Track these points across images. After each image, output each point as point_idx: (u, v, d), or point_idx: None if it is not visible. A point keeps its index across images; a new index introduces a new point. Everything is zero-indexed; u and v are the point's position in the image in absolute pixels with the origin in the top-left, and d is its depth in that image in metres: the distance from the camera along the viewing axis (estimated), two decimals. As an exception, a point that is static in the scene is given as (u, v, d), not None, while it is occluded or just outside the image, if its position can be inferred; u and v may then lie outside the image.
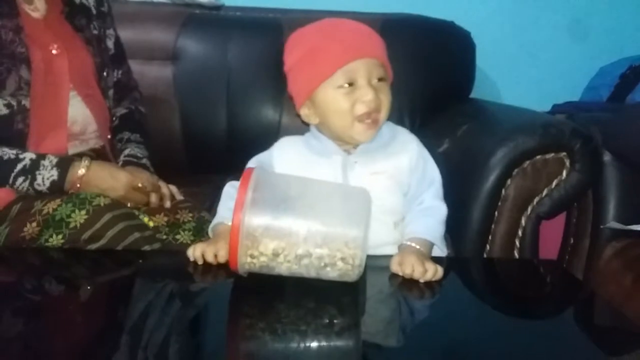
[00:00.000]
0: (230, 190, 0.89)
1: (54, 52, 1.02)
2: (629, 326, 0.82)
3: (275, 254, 0.74)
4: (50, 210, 0.93)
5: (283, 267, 0.75)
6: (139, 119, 1.20)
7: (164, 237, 0.98)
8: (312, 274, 0.76)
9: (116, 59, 1.20)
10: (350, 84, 0.85)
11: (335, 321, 0.72)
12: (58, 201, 0.94)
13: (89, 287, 0.83)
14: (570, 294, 0.91)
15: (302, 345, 0.68)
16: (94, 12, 1.14)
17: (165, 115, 1.48)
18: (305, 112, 0.90)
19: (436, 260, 0.84)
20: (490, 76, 1.73)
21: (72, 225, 0.91)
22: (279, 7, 1.60)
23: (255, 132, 1.51)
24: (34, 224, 0.93)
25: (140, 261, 0.91)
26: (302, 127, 1.54)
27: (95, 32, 1.13)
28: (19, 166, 0.96)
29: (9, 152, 0.97)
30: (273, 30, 1.53)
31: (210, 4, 1.58)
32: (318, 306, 0.75)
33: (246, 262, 0.75)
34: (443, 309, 0.82)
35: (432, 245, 0.87)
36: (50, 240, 0.91)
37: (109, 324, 0.72)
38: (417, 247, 0.84)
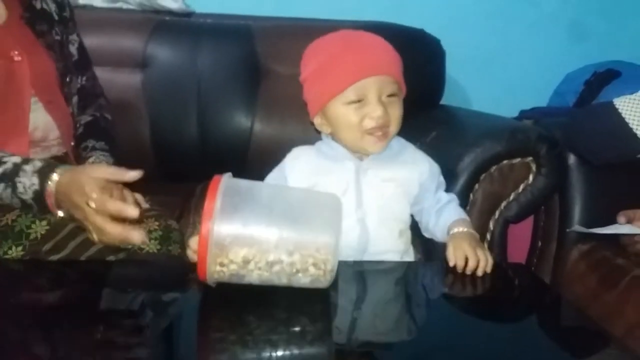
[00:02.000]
0: None
1: (15, 58, 0.99)
2: (593, 327, 0.83)
3: (246, 261, 0.73)
4: (9, 222, 0.90)
5: (254, 275, 0.74)
6: (105, 126, 1.18)
7: (129, 246, 0.96)
8: (284, 280, 0.75)
9: (80, 64, 1.18)
10: (361, 100, 0.87)
11: (307, 330, 0.72)
12: (17, 212, 0.92)
13: (51, 300, 0.81)
14: (538, 297, 0.93)
15: (274, 355, 0.67)
16: (56, 17, 1.12)
17: (134, 123, 1.46)
18: (318, 121, 0.93)
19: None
20: (460, 83, 1.76)
21: (32, 236, 0.89)
22: (250, 14, 1.60)
23: (227, 140, 1.50)
24: None
25: (105, 272, 0.89)
26: (275, 135, 1.55)
27: (57, 37, 1.11)
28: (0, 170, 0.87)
29: None
30: (244, 37, 1.53)
31: (180, 11, 1.57)
32: (290, 316, 0.75)
33: (215, 270, 0.73)
34: (413, 312, 0.83)
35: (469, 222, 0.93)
36: (9, 252, 0.89)
37: (72, 337, 0.70)
38: (466, 229, 0.89)
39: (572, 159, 1.22)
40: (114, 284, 0.87)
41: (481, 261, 0.85)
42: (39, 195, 0.87)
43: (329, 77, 0.88)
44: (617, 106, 1.11)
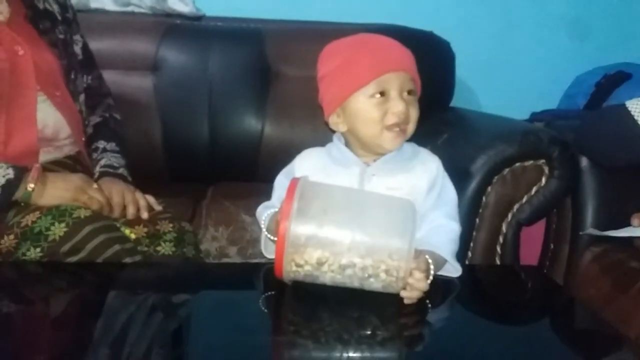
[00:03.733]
0: (261, 210, 0.93)
1: (19, 53, 1.01)
2: (607, 330, 0.83)
3: (320, 263, 0.75)
4: (29, 223, 0.91)
5: (327, 277, 0.76)
6: (114, 126, 1.19)
7: (145, 249, 0.97)
8: (356, 284, 0.77)
9: (85, 64, 1.19)
10: (382, 94, 0.87)
11: (378, 332, 0.73)
12: (37, 213, 0.93)
13: (68, 301, 0.82)
14: (551, 299, 0.93)
15: (344, 354, 0.68)
16: (59, 17, 1.14)
17: (146, 126, 1.46)
18: (334, 119, 0.92)
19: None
20: (470, 85, 1.76)
21: (50, 238, 0.89)
22: (260, 18, 1.61)
23: (238, 142, 1.50)
24: (11, 237, 0.91)
25: (121, 274, 0.90)
26: (285, 137, 1.56)
27: (60, 36, 1.12)
28: None
29: None
30: (254, 40, 1.54)
31: (191, 14, 1.58)
32: (361, 316, 0.76)
33: (291, 270, 0.76)
34: (427, 314, 0.83)
35: (443, 260, 0.86)
36: (28, 253, 0.90)
37: (90, 339, 0.70)
38: (425, 256, 0.82)
39: (584, 161, 1.22)
40: (130, 286, 0.87)
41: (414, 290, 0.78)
42: (11, 183, 0.93)
43: (352, 71, 0.88)
44: (629, 108, 1.10)
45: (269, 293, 0.84)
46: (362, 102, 0.88)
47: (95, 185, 1.01)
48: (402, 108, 0.86)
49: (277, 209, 0.84)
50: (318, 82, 0.93)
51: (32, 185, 0.94)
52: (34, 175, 0.95)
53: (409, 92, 0.89)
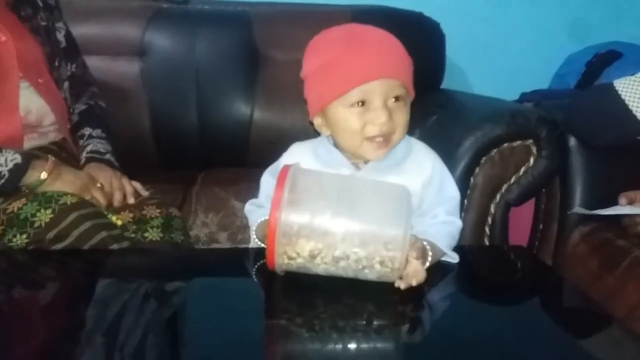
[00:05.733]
0: (250, 207, 0.91)
1: (1, 39, 1.00)
2: (595, 309, 0.84)
3: (312, 256, 0.73)
4: (15, 209, 0.91)
5: (320, 269, 0.74)
6: (100, 113, 1.18)
7: (132, 235, 0.97)
8: (350, 275, 0.75)
9: (69, 52, 1.18)
10: (364, 103, 0.81)
11: (372, 317, 0.72)
12: (23, 200, 0.92)
13: (56, 289, 0.82)
14: (540, 279, 0.93)
15: (339, 343, 0.67)
16: (41, 4, 1.13)
17: (134, 111, 1.46)
18: (318, 122, 0.87)
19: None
20: (460, 66, 1.75)
21: (36, 224, 0.89)
22: (248, 1, 1.59)
23: (227, 127, 1.50)
24: None
25: (108, 261, 0.90)
26: (275, 122, 1.55)
27: (43, 23, 1.12)
28: None
29: None
30: (242, 24, 1.52)
31: (177, -2, 1.56)
32: (357, 304, 0.75)
33: (283, 262, 0.74)
34: (415, 296, 0.83)
35: (441, 251, 0.84)
36: (14, 240, 0.89)
37: (79, 327, 0.70)
38: (424, 243, 0.80)
39: (572, 141, 1.22)
40: (118, 272, 0.87)
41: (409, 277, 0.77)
42: (19, 168, 0.94)
43: (331, 77, 0.81)
44: (617, 88, 1.10)
45: (262, 279, 0.83)
46: (341, 111, 0.81)
47: (98, 185, 1.02)
48: (384, 119, 0.80)
49: (267, 217, 0.79)
50: (302, 79, 0.87)
51: (45, 174, 0.96)
52: (49, 167, 0.97)
53: (396, 98, 0.82)
